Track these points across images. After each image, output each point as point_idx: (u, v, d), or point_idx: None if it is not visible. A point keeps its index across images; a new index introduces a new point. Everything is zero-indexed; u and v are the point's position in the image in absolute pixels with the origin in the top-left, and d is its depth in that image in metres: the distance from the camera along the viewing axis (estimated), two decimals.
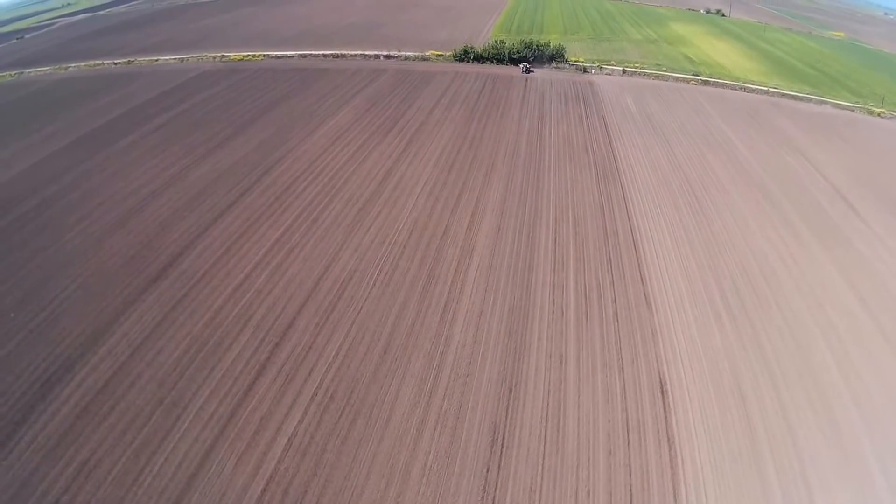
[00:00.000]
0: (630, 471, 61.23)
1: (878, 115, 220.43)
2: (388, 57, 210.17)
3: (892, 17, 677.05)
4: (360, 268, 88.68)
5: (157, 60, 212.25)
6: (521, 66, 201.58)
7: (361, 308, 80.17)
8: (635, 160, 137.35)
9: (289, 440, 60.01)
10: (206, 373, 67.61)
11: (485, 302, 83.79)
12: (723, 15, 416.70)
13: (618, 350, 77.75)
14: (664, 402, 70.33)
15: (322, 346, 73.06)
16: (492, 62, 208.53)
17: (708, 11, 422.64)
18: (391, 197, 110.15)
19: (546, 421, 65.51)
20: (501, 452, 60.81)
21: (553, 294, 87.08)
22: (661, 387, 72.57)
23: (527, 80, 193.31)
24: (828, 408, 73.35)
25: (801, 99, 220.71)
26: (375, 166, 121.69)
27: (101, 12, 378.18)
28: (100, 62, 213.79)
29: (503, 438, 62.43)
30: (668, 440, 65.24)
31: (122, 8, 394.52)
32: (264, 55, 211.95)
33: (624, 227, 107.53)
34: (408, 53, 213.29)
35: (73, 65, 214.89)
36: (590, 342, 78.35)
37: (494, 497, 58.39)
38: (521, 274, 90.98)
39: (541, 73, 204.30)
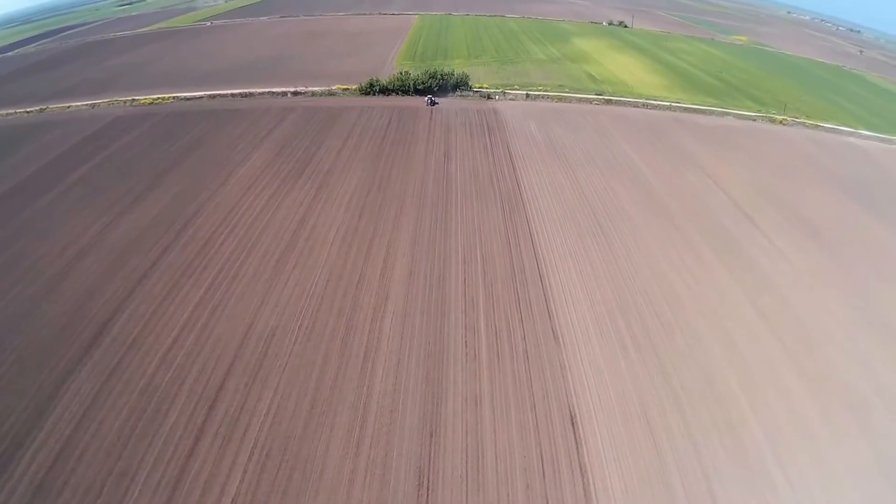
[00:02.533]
0: (547, 502, 66.99)
1: (781, 122, 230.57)
2: (295, 94, 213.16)
3: (795, 15, 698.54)
4: (282, 323, 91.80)
5: (69, 107, 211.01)
6: (426, 99, 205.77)
7: (287, 364, 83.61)
8: (540, 190, 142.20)
9: (233, 500, 64.46)
10: (149, 440, 71.03)
11: (402, 349, 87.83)
12: (625, 26, 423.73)
13: (529, 387, 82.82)
14: (575, 434, 75.97)
15: (253, 405, 76.71)
16: (397, 94, 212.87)
17: (611, 23, 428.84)
18: (306, 247, 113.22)
19: (466, 462, 70.65)
20: (427, 495, 66.08)
21: (466, 336, 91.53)
22: (572, 419, 78.19)
23: (432, 111, 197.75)
24: (731, 427, 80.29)
25: (703, 112, 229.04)
26: (289, 215, 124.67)
27: (9, 53, 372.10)
28: (12, 111, 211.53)
29: (428, 482, 67.55)
30: (581, 470, 71.13)
31: (31, 48, 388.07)
32: (174, 97, 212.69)
33: (530, 262, 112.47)
34: (315, 89, 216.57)
35: None
36: (502, 382, 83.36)
37: None
38: (434, 318, 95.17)
39: (446, 102, 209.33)
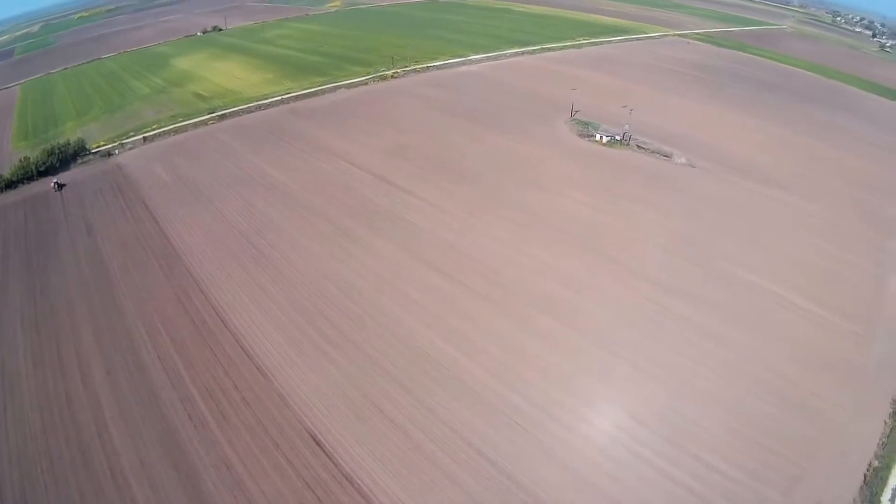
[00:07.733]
0: None
1: (392, 77, 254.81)
2: None
3: None
4: (24, 471, 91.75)
5: None
6: (51, 184, 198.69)
7: None
8: (188, 235, 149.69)
9: None
10: None
11: (139, 451, 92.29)
12: (220, 30, 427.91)
13: (264, 430, 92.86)
14: (325, 451, 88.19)
15: None
16: (24, 183, 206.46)
17: (205, 31, 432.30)
18: (5, 383, 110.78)
19: None
20: None
21: (186, 409, 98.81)
22: (315, 440, 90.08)
23: (62, 194, 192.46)
24: (453, 376, 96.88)
25: (315, 94, 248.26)
26: None
27: None
28: None
29: None
30: (347, 479, 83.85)
31: None
32: None
33: (208, 311, 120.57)
34: None
35: None
36: (238, 436, 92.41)
37: None
38: (150, 405, 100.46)
39: (71, 175, 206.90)
